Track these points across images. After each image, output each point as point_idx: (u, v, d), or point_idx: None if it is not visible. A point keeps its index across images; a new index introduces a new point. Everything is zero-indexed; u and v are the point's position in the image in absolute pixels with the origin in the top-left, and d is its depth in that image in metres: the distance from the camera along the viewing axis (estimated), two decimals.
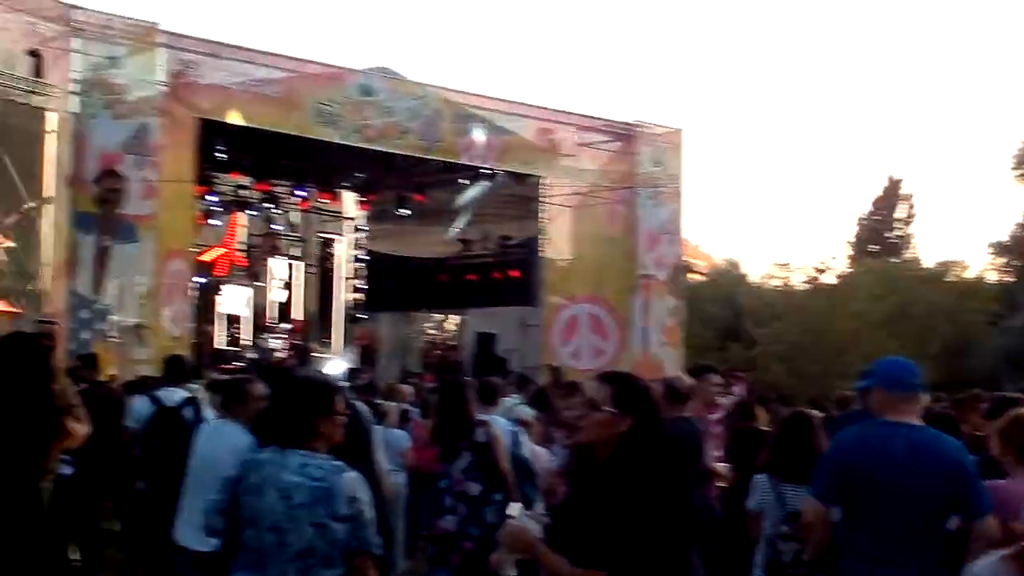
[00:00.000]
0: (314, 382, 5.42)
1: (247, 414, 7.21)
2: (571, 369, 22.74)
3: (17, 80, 21.55)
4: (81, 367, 12.23)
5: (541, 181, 27.14)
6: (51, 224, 22.29)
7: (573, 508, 4.51)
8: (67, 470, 7.17)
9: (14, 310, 20.54)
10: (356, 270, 32.55)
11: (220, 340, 28.52)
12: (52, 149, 22.28)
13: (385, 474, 9.11)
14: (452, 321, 32.31)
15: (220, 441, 7.19)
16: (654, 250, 26.78)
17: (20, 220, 21.63)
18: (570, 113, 27.28)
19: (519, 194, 27.87)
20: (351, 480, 4.93)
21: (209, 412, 9.09)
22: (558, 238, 26.96)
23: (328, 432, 5.08)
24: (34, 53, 21.76)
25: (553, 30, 62.52)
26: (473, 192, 27.57)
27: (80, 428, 5.37)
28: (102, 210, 23.06)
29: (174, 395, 9.67)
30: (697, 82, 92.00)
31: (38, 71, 21.78)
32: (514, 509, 4.66)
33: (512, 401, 11.85)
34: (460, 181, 27.90)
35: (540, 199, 27.18)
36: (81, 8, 23.06)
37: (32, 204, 21.95)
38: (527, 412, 11.02)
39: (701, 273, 42.36)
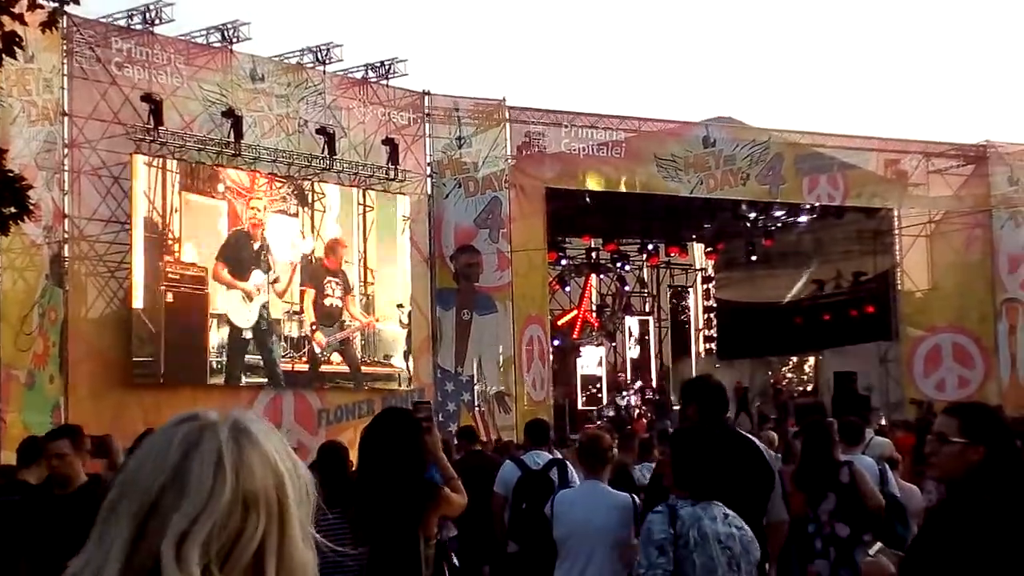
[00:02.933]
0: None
1: (608, 473, 7.39)
2: (937, 401, 22.05)
3: (375, 169, 22.99)
4: (460, 439, 12.84)
5: (892, 213, 26.65)
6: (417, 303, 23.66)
7: (925, 545, 4.29)
8: (452, 531, 7.56)
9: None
10: (708, 320, 32.57)
11: (581, 401, 29.05)
12: (411, 231, 23.63)
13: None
14: (809, 363, 31.77)
15: (593, 502, 7.37)
16: (1016, 273, 25.78)
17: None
18: (916, 141, 26.70)
19: (870, 229, 27.50)
20: None
21: (575, 474, 9.32)
22: (914, 269, 26.37)
23: None
24: (389, 141, 23.12)
25: (893, 56, 60.77)
26: None
27: (458, 499, 5.71)
28: (460, 285, 24.25)
29: (538, 458, 9.96)
30: None
31: (394, 158, 23.08)
32: (874, 548, 4.61)
33: (869, 435, 11.57)
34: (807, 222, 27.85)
35: (893, 231, 26.68)
36: (432, 94, 24.45)
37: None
38: (891, 447, 10.80)
39: None
